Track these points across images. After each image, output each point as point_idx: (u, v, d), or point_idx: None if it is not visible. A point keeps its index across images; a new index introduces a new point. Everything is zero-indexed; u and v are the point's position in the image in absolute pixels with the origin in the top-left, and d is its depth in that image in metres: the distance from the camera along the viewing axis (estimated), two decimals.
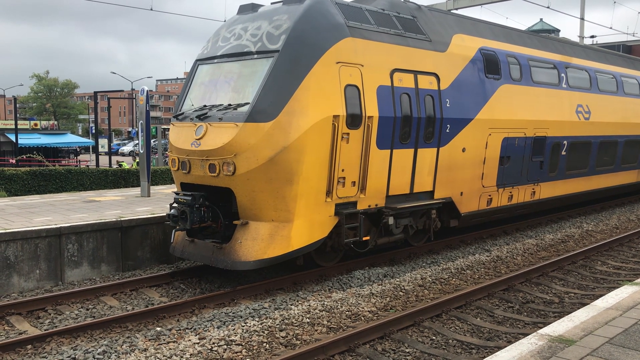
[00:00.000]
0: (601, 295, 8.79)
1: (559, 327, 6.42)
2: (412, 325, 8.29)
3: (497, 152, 13.57)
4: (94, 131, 45.43)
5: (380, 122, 10.57)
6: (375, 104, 10.51)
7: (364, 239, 10.88)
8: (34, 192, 20.65)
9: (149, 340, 7.77)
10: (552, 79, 15.74)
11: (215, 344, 7.40)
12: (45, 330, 8.40)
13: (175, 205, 10.27)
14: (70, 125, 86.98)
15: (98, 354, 7.28)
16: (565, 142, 16.03)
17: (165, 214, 11.16)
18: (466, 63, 12.74)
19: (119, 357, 7.20)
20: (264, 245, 9.65)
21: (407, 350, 7.51)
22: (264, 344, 7.49)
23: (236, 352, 7.23)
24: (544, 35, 18.87)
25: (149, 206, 13.64)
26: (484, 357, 6.95)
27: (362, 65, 10.38)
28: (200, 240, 10.42)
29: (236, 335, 7.66)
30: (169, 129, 11.69)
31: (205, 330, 8.08)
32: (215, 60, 10.87)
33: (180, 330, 8.16)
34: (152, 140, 21.08)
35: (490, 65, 13.40)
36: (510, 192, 14.42)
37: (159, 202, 14.46)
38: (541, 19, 50.50)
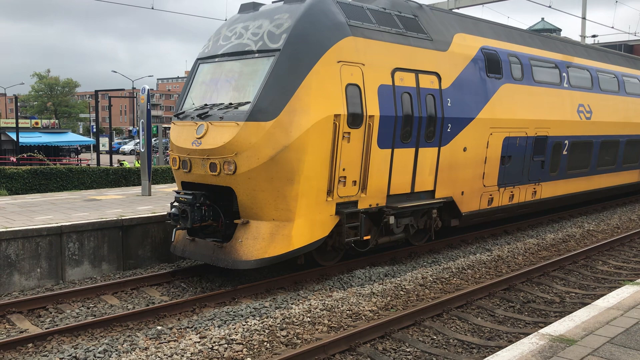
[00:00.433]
0: (602, 295, 8.79)
1: (560, 327, 6.41)
2: (413, 324, 8.29)
3: (498, 151, 13.56)
4: (94, 130, 45.41)
5: (381, 121, 10.56)
6: (376, 103, 10.50)
7: (365, 238, 10.87)
8: (34, 190, 20.66)
9: (150, 339, 7.77)
10: (554, 78, 15.72)
11: (216, 343, 7.40)
12: (46, 328, 8.40)
13: (176, 204, 10.28)
14: (71, 124, 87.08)
15: (99, 352, 7.28)
16: (566, 141, 16.02)
17: (166, 213, 11.17)
18: (467, 62, 12.73)
19: (119, 355, 7.20)
20: (264, 244, 9.65)
21: (407, 350, 7.51)
22: (265, 343, 7.49)
23: (237, 351, 7.22)
24: (546, 34, 18.86)
25: (150, 205, 13.65)
26: (485, 356, 6.95)
27: (364, 65, 10.38)
28: (201, 239, 10.42)
29: (237, 334, 7.65)
30: (170, 127, 11.70)
31: (206, 329, 8.08)
32: (217, 59, 10.87)
33: (181, 329, 8.16)
34: (153, 139, 21.03)
35: (491, 65, 13.39)
36: (512, 192, 14.41)
37: (159, 201, 14.46)
38: (543, 19, 50.47)
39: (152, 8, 23.41)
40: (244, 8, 11.32)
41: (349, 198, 10.42)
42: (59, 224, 10.84)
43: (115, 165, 33.02)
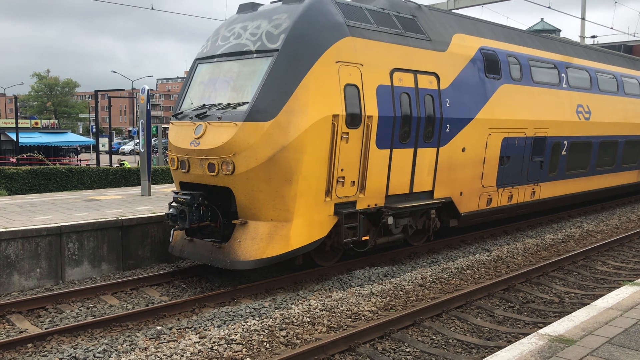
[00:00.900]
0: (601, 295, 8.80)
1: (559, 327, 6.42)
2: (413, 324, 8.29)
3: (497, 152, 13.57)
4: (94, 130, 45.39)
5: (379, 121, 10.57)
6: (374, 104, 10.51)
7: (363, 238, 10.87)
8: (34, 190, 20.66)
9: (150, 339, 7.78)
10: (553, 78, 15.74)
11: (216, 343, 7.40)
12: (45, 329, 8.41)
13: (174, 204, 10.26)
14: (70, 124, 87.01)
15: (98, 352, 7.29)
16: (565, 142, 16.03)
17: (165, 213, 11.17)
18: (466, 63, 12.75)
19: (119, 356, 7.20)
20: (263, 244, 9.65)
21: (407, 350, 7.52)
22: (265, 343, 7.49)
23: (236, 351, 7.23)
24: (545, 35, 18.87)
25: (150, 205, 13.65)
26: (484, 356, 6.96)
27: (362, 65, 10.38)
28: (199, 239, 10.42)
29: (236, 335, 7.66)
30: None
31: (206, 329, 8.09)
32: (215, 59, 10.87)
33: (180, 329, 8.17)
34: (152, 140, 21.02)
35: (490, 65, 13.40)
36: (510, 192, 14.42)
37: (159, 201, 14.47)
38: (542, 19, 50.50)
39: (152, 8, 23.41)
40: (242, 8, 11.33)
41: (347, 198, 10.42)
42: (58, 224, 10.84)
43: (116, 165, 32.99)
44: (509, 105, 13.82)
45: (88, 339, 8.00)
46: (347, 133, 10.08)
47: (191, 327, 8.23)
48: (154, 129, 33.39)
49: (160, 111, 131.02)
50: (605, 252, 13.36)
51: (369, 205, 10.84)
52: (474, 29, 13.57)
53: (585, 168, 17.40)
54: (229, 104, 10.05)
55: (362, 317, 8.64)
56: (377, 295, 9.61)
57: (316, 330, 8.09)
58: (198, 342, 7.43)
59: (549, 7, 25.17)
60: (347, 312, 8.80)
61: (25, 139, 44.34)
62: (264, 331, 7.84)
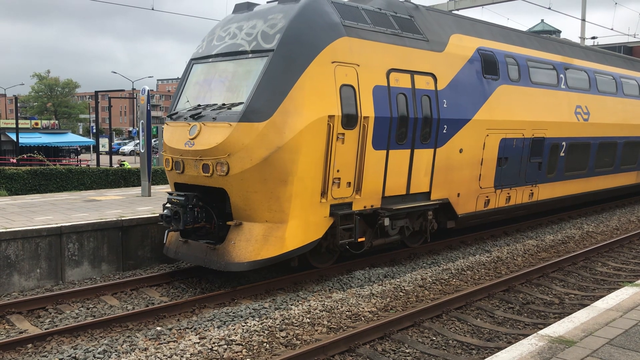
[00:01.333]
0: (601, 297, 8.82)
1: (559, 328, 6.43)
2: (412, 325, 8.30)
3: (494, 153, 13.55)
4: (94, 130, 45.42)
5: (376, 122, 10.54)
6: (371, 104, 10.47)
7: (360, 240, 10.82)
8: (34, 191, 20.65)
9: (149, 339, 7.79)
10: (551, 79, 15.73)
11: (216, 344, 7.41)
12: (45, 329, 8.41)
13: (168, 205, 10.15)
14: (71, 125, 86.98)
15: (98, 353, 7.29)
16: (563, 143, 16.03)
17: (159, 214, 11.13)
18: (464, 63, 12.72)
19: (119, 356, 7.21)
20: (257, 246, 9.59)
21: (407, 351, 7.53)
22: (264, 344, 7.50)
23: (236, 352, 7.24)
24: (545, 36, 18.88)
25: (150, 206, 13.66)
26: (484, 357, 6.98)
27: (358, 65, 10.35)
28: (194, 241, 10.34)
29: (236, 335, 7.67)
30: None
31: (206, 330, 8.10)
32: (210, 60, 10.81)
33: (180, 329, 8.18)
34: (152, 140, 21.02)
35: (488, 66, 13.37)
36: (508, 194, 14.41)
37: (159, 201, 14.46)
38: (542, 20, 50.54)
39: (152, 9, 23.46)
40: (238, 8, 11.28)
41: (343, 199, 10.37)
42: (58, 225, 10.85)
43: (116, 166, 32.99)
44: (507, 106, 13.80)
45: (88, 339, 8.01)
46: (343, 134, 10.04)
47: (191, 328, 8.24)
48: (154, 129, 33.37)
49: (161, 112, 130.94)
50: (605, 253, 13.37)
51: (365, 207, 10.79)
52: (472, 30, 13.56)
53: (584, 169, 17.39)
54: (223, 104, 9.99)
55: (362, 318, 8.65)
56: (377, 296, 9.62)
57: (316, 331, 8.10)
58: (198, 343, 7.44)
59: (549, 8, 25.22)
60: (347, 312, 8.81)
61: (25, 139, 44.35)
62: (264, 332, 7.85)
